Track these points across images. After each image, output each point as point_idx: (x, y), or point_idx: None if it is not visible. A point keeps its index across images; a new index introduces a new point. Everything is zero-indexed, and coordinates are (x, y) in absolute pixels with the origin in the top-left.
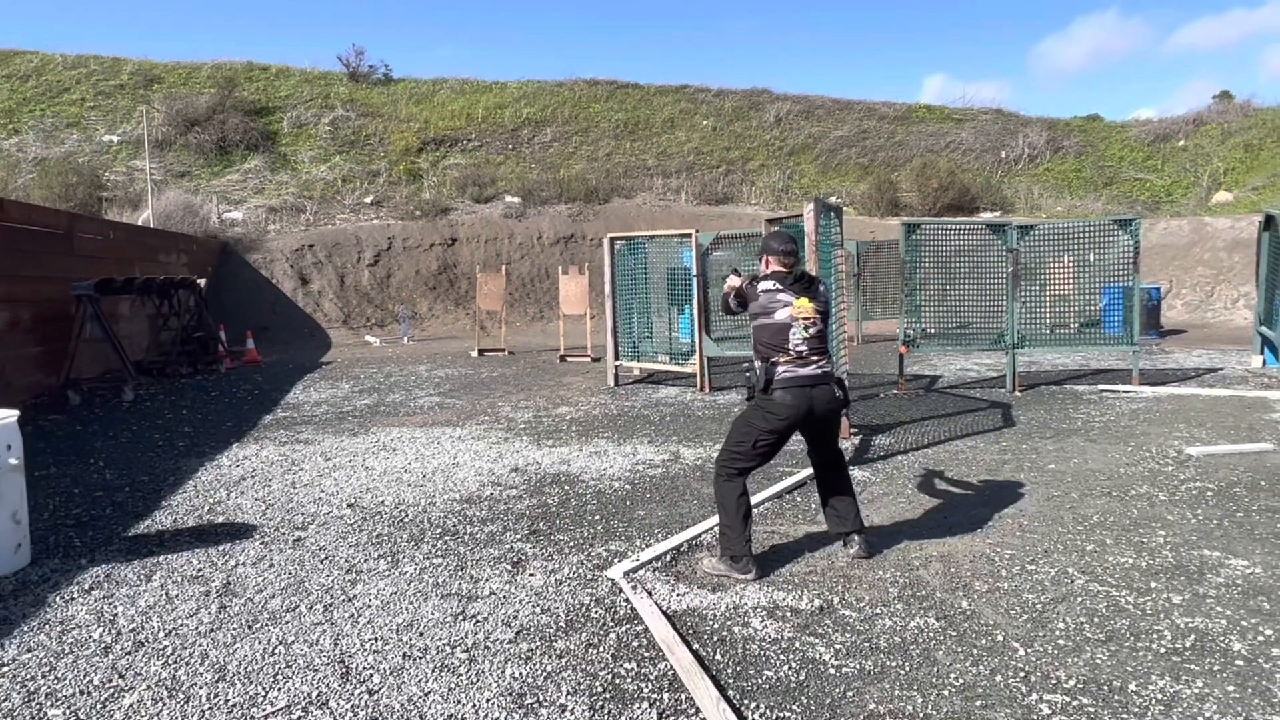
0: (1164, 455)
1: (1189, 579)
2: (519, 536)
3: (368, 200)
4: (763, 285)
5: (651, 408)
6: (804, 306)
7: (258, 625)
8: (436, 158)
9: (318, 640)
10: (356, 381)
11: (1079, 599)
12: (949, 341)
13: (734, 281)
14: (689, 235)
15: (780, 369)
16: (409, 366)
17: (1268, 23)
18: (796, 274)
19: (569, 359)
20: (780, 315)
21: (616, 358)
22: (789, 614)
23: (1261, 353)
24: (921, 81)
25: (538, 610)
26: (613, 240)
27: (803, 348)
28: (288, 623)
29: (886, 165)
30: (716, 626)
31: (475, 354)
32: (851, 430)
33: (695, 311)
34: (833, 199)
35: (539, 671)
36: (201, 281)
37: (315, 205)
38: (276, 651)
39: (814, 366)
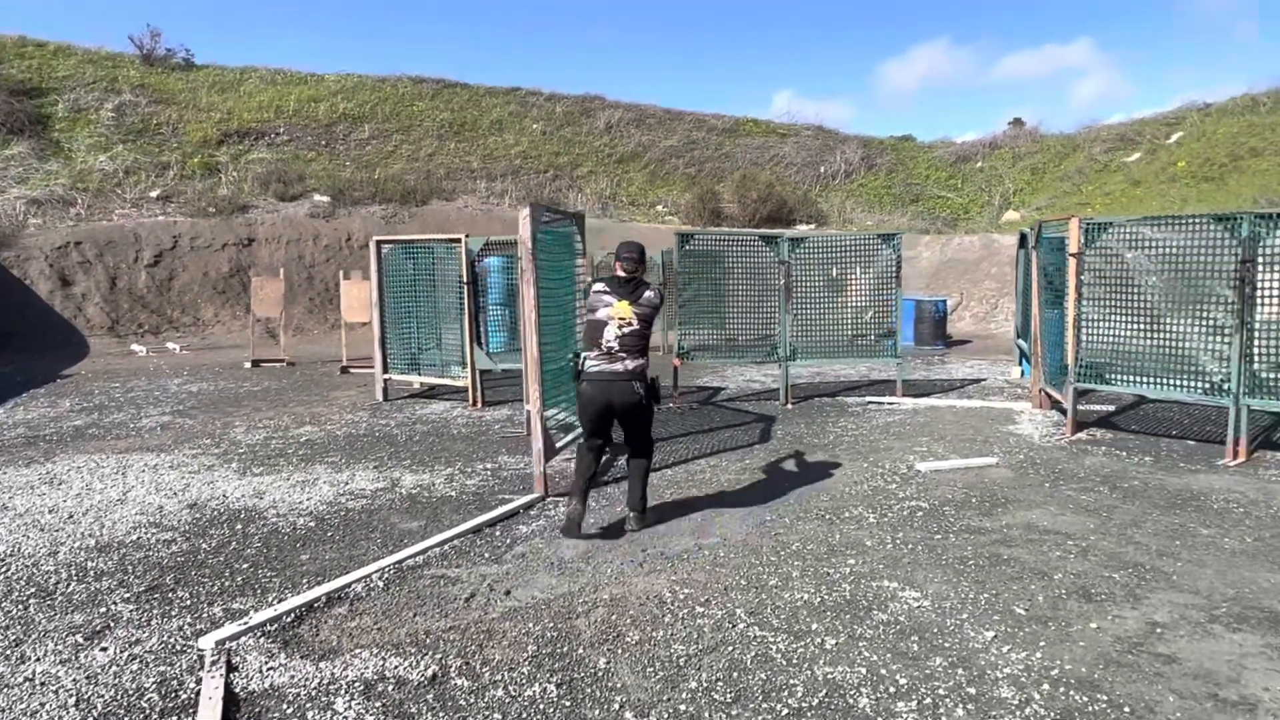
0: (895, 472)
1: (854, 617)
2: (128, 596)
3: (154, 195)
4: (596, 286)
5: (406, 427)
6: (622, 308)
7: None
8: (239, 151)
9: None
10: (85, 398)
11: (730, 649)
12: (723, 353)
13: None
14: (458, 240)
15: (589, 363)
16: (162, 380)
17: (1076, 58)
18: (633, 280)
19: (352, 370)
20: (600, 314)
21: (386, 370)
22: (390, 688)
23: (1020, 364)
24: (771, 97)
25: (71, 701)
26: (379, 244)
27: (614, 344)
28: None
29: (713, 176)
30: (289, 712)
31: (249, 365)
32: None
33: (466, 321)
34: (659, 207)
35: None
36: None
37: (89, 199)
38: None
39: (620, 364)
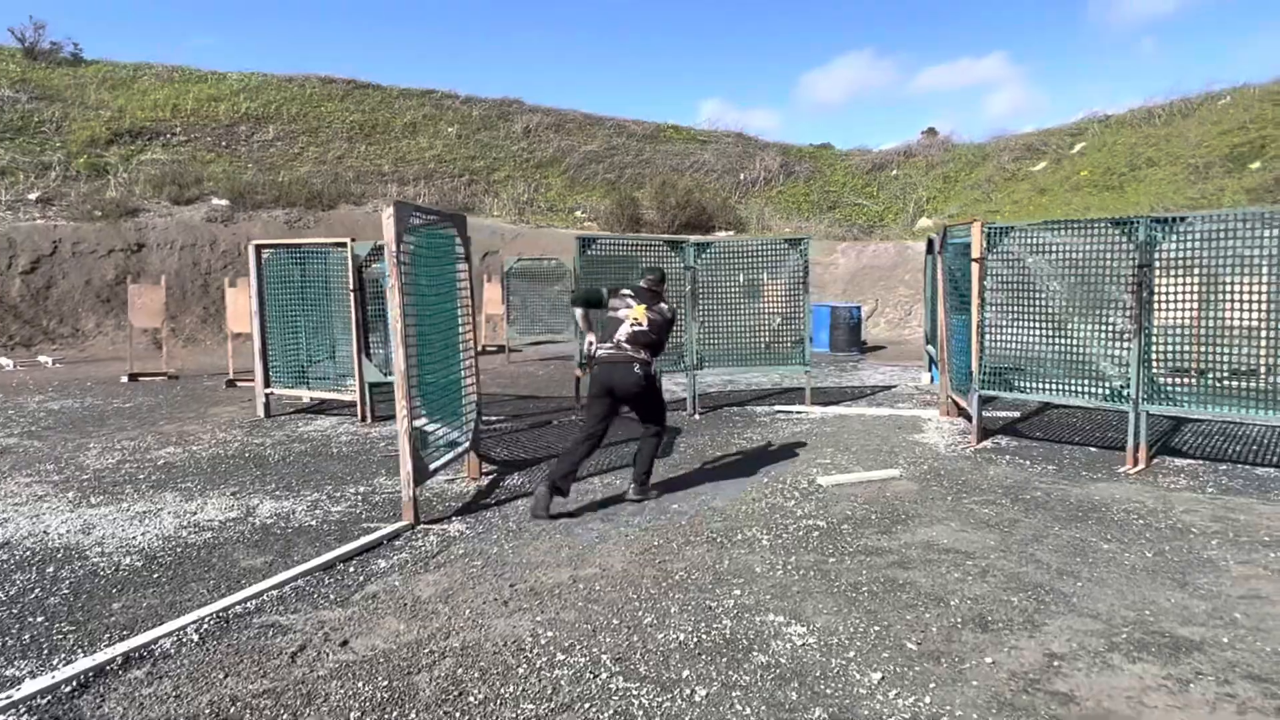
0: (796, 487)
1: (731, 660)
2: None
3: (32, 197)
4: (623, 291)
5: (282, 446)
6: (639, 311)
7: None
8: (130, 151)
9: None
10: None
11: (585, 706)
12: None
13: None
14: (344, 244)
15: (600, 350)
16: (21, 397)
17: (990, 71)
18: (653, 292)
19: (239, 384)
20: (620, 314)
21: (267, 384)
22: None
23: (930, 370)
24: (697, 105)
25: None
26: (259, 248)
27: (623, 338)
28: None
29: (633, 182)
30: None
31: (125, 379)
32: (484, 471)
33: (354, 331)
34: (578, 213)
35: None
36: None
37: None
38: None
39: (624, 352)
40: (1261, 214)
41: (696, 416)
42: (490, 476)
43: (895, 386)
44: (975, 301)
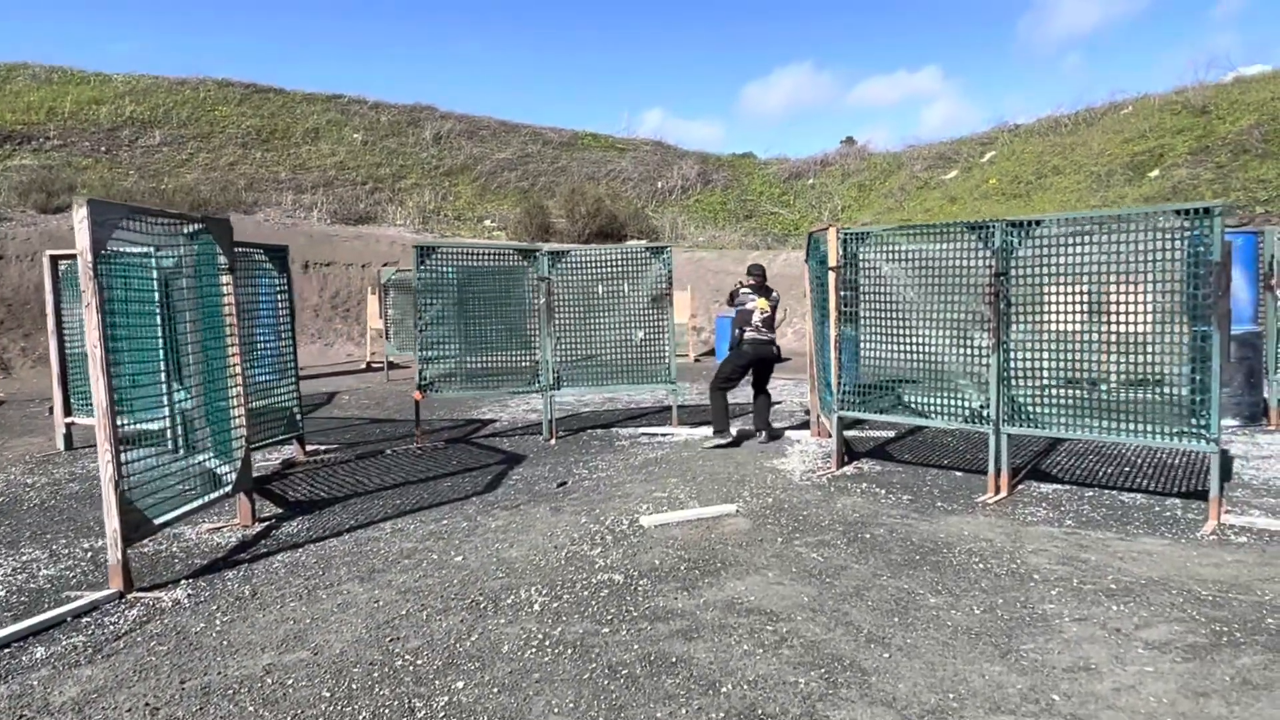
0: (615, 528)
1: None
2: None
3: None
4: (744, 290)
5: (54, 486)
6: (761, 303)
7: None
8: None
9: None
10: None
11: None
12: (476, 384)
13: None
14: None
15: (748, 334)
16: None
17: (924, 84)
18: (763, 286)
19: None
20: (749, 305)
21: (68, 413)
22: None
23: None
24: (641, 115)
25: None
26: (54, 259)
27: (759, 323)
28: None
29: (546, 190)
30: None
31: None
32: (260, 517)
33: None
34: (487, 222)
35: None
36: None
37: None
38: None
39: (765, 335)
40: (1119, 216)
41: (552, 442)
42: (267, 523)
43: (780, 404)
44: (833, 314)
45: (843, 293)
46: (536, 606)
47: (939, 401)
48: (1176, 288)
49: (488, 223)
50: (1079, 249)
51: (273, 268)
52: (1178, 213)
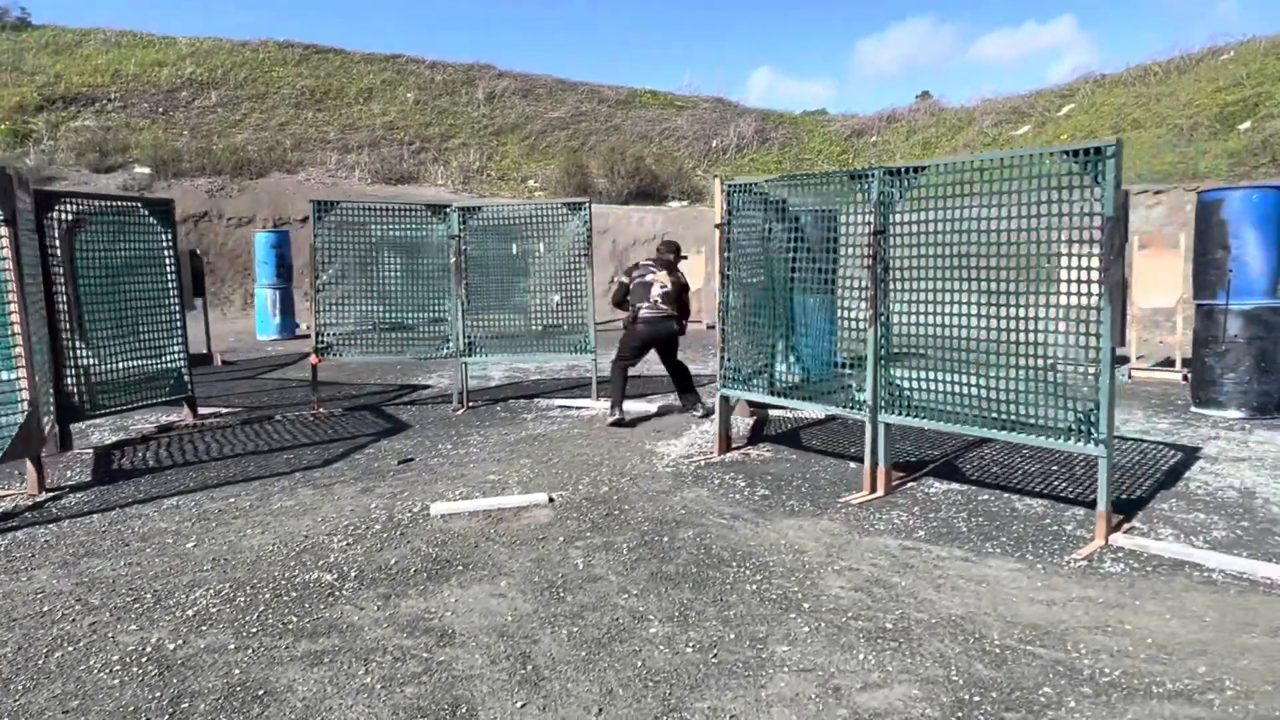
0: (402, 516)
1: None
2: None
3: None
4: (643, 262)
5: None
6: (662, 276)
7: None
8: (62, 118)
9: None
10: None
11: None
12: (379, 349)
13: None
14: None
15: (643, 310)
16: None
17: (1056, 36)
18: (668, 261)
19: None
20: (649, 278)
21: None
22: None
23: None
24: (749, 75)
25: None
26: None
27: (658, 298)
28: None
29: (596, 150)
30: None
31: None
32: (55, 488)
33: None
34: (530, 182)
35: None
36: None
37: None
38: None
39: (662, 310)
40: (1002, 159)
41: (460, 412)
42: (56, 493)
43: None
44: (717, 278)
45: (726, 254)
46: (191, 611)
47: (813, 386)
48: (1066, 249)
49: (530, 183)
50: (959, 202)
51: (156, 223)
52: (1068, 154)
